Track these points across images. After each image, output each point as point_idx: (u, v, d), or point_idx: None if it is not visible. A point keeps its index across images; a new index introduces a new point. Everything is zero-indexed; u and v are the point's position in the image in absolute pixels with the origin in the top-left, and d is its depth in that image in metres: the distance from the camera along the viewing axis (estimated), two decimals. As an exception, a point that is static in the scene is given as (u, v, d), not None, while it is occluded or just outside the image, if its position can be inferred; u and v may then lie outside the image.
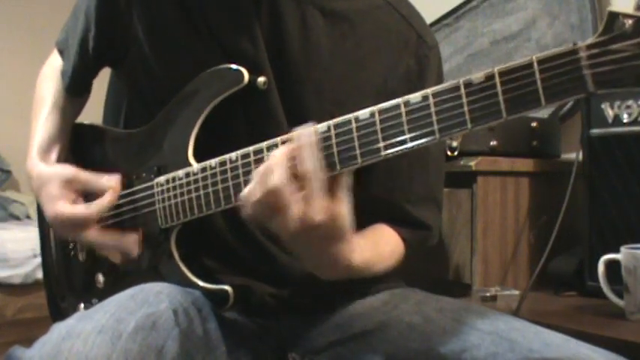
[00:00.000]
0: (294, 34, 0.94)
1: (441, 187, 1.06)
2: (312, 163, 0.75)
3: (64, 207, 0.97)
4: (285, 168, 0.75)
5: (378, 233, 0.96)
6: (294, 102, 0.94)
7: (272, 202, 0.75)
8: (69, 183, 0.99)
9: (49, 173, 1.01)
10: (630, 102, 1.29)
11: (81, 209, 0.97)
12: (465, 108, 0.70)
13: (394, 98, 0.95)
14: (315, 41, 0.95)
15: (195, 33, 0.93)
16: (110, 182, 0.98)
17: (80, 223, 0.97)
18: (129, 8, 0.96)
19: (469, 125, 0.70)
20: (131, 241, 0.97)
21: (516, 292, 1.34)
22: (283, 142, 0.80)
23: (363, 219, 0.97)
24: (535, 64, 0.66)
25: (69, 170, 1.00)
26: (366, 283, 1.00)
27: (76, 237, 1.01)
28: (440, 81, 1.05)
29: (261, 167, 0.77)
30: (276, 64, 0.93)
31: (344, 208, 0.77)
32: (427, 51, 1.02)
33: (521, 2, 1.90)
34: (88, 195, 1.00)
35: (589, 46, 0.64)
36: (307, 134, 0.77)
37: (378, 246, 0.94)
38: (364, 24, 0.98)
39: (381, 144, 0.75)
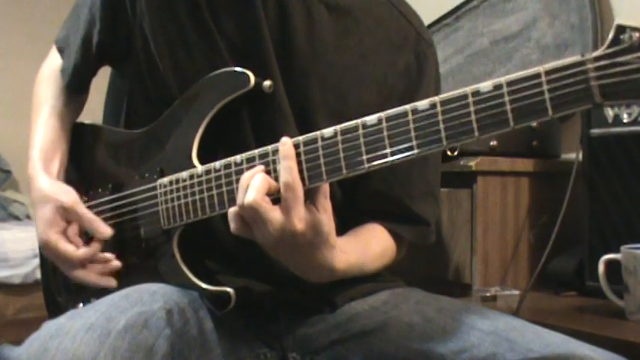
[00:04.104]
0: (300, 28, 0.94)
1: (438, 181, 1.06)
2: (290, 175, 0.77)
3: (55, 237, 0.98)
4: (259, 184, 0.78)
5: (368, 234, 0.97)
6: (299, 96, 0.94)
7: (250, 216, 0.78)
8: (64, 211, 0.99)
9: (49, 192, 1.00)
10: (630, 102, 1.29)
11: (69, 249, 0.97)
12: (473, 117, 0.70)
13: (394, 93, 0.96)
14: (320, 35, 0.95)
15: (201, 29, 0.93)
16: (102, 233, 0.98)
17: (64, 260, 0.98)
18: (135, 5, 0.96)
19: (476, 134, 0.71)
20: (107, 283, 0.98)
21: (516, 292, 1.35)
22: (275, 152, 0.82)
23: (362, 216, 0.98)
24: (543, 75, 0.67)
25: (68, 198, 0.99)
26: (365, 283, 1.00)
27: (58, 265, 1.02)
28: (438, 79, 1.06)
29: (240, 182, 0.80)
30: (283, 59, 0.93)
31: (324, 216, 0.79)
32: (426, 48, 1.03)
33: (521, 2, 1.90)
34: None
35: (596, 58, 0.65)
36: (285, 147, 0.79)
37: (367, 248, 0.95)
38: (366, 20, 0.99)
39: (388, 150, 0.76)
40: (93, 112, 1.17)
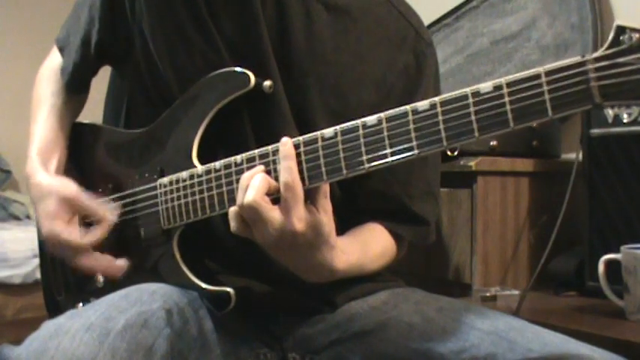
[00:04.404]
0: (298, 27, 0.94)
1: (438, 180, 1.06)
2: (290, 175, 0.77)
3: (60, 228, 0.97)
4: (259, 184, 0.78)
5: (368, 234, 0.97)
6: (298, 96, 0.94)
7: (250, 216, 0.78)
8: (67, 202, 0.98)
9: (49, 186, 1.00)
10: (630, 102, 1.29)
11: (75, 237, 0.97)
12: (473, 117, 0.71)
13: (393, 93, 0.95)
14: (318, 35, 0.95)
15: (200, 29, 0.93)
16: (107, 216, 0.98)
17: (71, 249, 0.97)
18: (134, 4, 0.96)
19: (476, 134, 0.71)
20: (117, 268, 0.97)
21: (516, 292, 1.35)
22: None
23: (361, 216, 0.98)
24: (543, 76, 0.67)
25: (69, 190, 0.99)
26: (365, 283, 1.00)
27: (64, 258, 1.01)
28: (437, 78, 1.06)
29: (240, 182, 0.80)
30: (282, 58, 0.93)
31: (324, 216, 0.79)
32: (424, 47, 1.03)
33: (521, 2, 1.90)
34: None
35: (596, 59, 0.65)
36: (286, 147, 0.79)
37: (367, 248, 0.95)
38: (365, 19, 0.99)
39: (388, 150, 0.76)
40: (93, 112, 1.17)
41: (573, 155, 1.41)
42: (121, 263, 0.97)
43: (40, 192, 1.01)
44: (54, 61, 1.13)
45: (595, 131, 1.34)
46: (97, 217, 0.98)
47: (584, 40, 1.72)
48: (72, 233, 0.97)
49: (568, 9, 1.78)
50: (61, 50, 1.10)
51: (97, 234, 0.97)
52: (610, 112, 1.32)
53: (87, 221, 1.01)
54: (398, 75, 1.00)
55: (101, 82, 1.14)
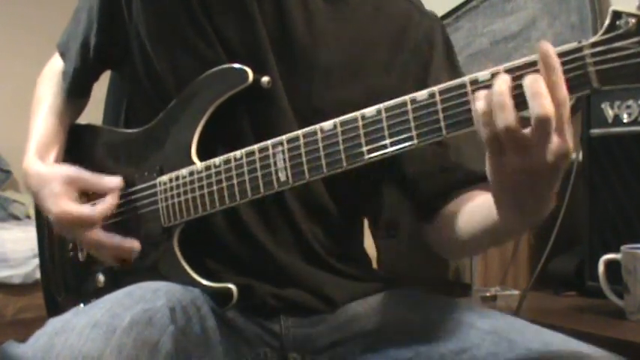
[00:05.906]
0: (299, 22, 0.94)
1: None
2: (562, 90, 0.65)
3: (69, 206, 0.97)
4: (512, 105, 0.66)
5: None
6: (302, 88, 0.94)
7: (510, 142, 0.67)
8: (71, 181, 0.99)
9: (50, 172, 1.01)
10: (630, 102, 1.29)
11: (86, 210, 0.97)
12: (472, 105, 0.70)
13: (408, 71, 0.94)
14: (319, 26, 0.95)
15: (197, 28, 0.93)
16: (112, 184, 0.98)
17: (84, 224, 0.97)
18: (131, 6, 0.96)
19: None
20: (131, 244, 0.97)
21: (516, 292, 1.35)
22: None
23: (440, 199, 0.95)
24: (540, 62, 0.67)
25: (71, 169, 1.00)
26: (365, 282, 1.00)
27: (77, 236, 1.01)
28: (449, 45, 1.03)
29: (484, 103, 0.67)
30: (283, 55, 0.93)
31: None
32: (432, 22, 1.02)
33: (521, 2, 1.90)
34: (89, 195, 1.00)
35: (593, 44, 0.65)
36: (552, 54, 0.66)
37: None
38: (364, 7, 0.99)
39: (388, 141, 0.76)
40: (93, 112, 1.17)
41: (573, 155, 1.41)
42: (133, 244, 0.96)
43: (41, 180, 1.01)
44: (55, 65, 1.13)
45: (595, 131, 1.34)
46: (102, 187, 0.98)
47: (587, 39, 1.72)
48: (82, 208, 0.97)
49: (568, 9, 1.78)
50: (62, 55, 1.11)
51: (107, 204, 0.97)
52: (610, 112, 1.32)
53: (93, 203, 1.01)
54: (410, 53, 0.99)
55: (101, 82, 1.14)
